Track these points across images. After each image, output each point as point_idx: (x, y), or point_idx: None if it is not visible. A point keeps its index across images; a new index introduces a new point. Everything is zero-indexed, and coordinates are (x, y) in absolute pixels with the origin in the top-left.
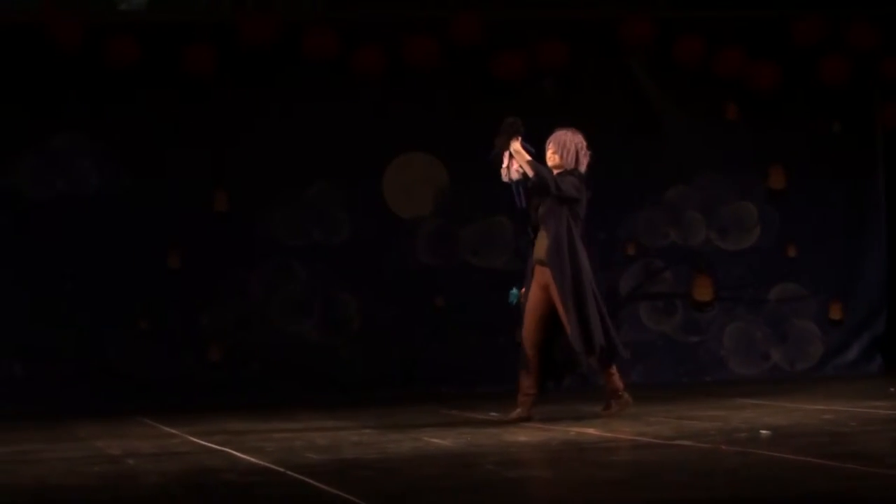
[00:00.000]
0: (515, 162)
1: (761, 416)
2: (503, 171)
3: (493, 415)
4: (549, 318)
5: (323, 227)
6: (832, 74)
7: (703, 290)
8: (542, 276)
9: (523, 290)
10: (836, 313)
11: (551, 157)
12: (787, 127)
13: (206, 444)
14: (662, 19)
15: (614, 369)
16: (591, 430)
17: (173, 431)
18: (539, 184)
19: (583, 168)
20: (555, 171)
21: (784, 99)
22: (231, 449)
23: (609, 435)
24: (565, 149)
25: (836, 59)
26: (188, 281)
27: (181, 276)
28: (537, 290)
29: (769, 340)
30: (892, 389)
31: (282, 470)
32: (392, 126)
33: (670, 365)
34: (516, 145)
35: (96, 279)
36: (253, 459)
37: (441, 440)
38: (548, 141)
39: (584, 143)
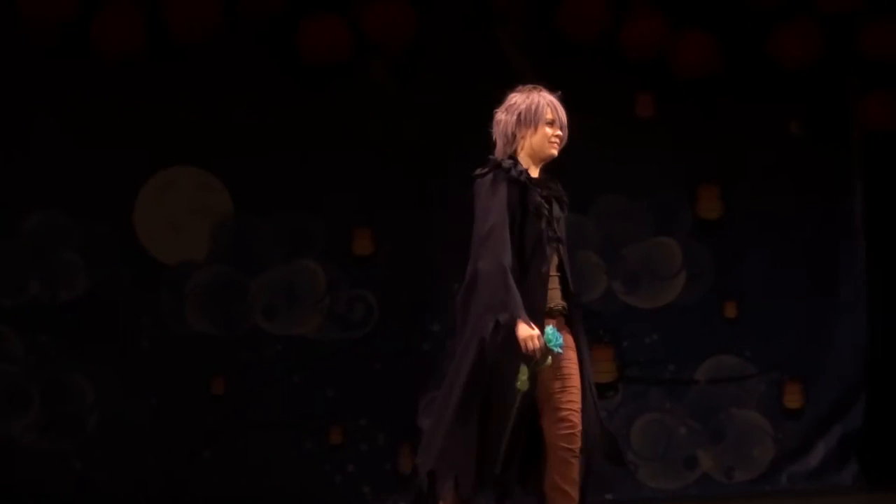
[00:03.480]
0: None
1: None
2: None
3: None
4: None
5: (46, 277)
6: (791, 49)
7: (602, 367)
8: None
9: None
10: (793, 399)
11: None
12: (725, 128)
13: None
14: None
15: None
16: None
17: None
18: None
19: (529, 145)
20: None
21: (721, 87)
22: None
23: None
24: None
25: (797, 26)
26: None
27: None
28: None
29: (697, 439)
30: None
31: None
32: (148, 127)
33: None
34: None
35: None
36: None
37: None
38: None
39: (538, 108)
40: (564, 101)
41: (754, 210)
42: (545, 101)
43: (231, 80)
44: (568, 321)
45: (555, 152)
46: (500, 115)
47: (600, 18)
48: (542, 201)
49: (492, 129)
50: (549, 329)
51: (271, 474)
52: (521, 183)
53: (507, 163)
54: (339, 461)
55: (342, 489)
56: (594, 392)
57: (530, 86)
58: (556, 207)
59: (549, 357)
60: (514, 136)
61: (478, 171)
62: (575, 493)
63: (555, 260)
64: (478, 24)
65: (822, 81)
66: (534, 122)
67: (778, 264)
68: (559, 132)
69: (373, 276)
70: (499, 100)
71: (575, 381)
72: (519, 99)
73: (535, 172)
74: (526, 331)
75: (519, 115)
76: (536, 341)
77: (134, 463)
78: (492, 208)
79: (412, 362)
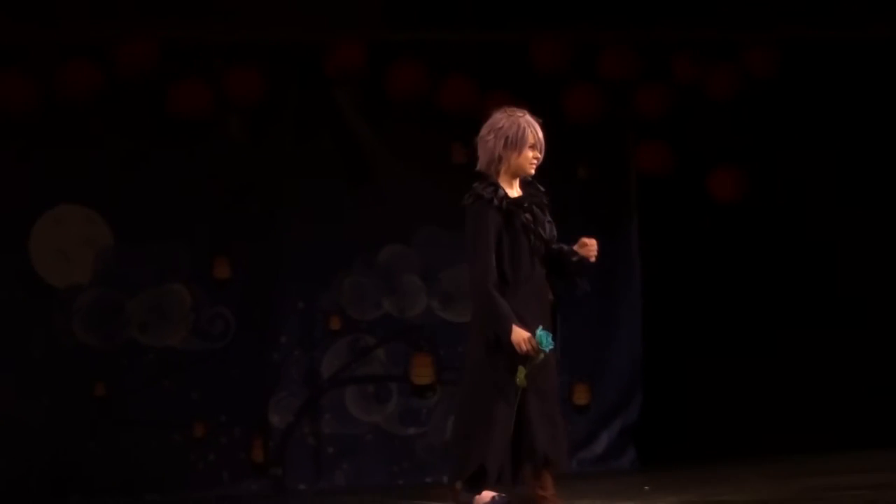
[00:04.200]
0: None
1: None
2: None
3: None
4: None
5: None
6: (578, 108)
7: (422, 372)
8: None
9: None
10: (581, 398)
11: None
12: None
13: None
14: (376, 42)
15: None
16: None
17: None
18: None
19: (510, 166)
20: None
21: None
22: None
23: None
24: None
25: (583, 89)
26: None
27: None
28: None
29: None
30: (646, 488)
31: None
32: (41, 173)
33: (383, 463)
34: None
35: None
36: None
37: None
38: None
39: (521, 132)
40: (396, 153)
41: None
42: (528, 127)
43: (111, 132)
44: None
45: (533, 171)
46: (487, 136)
47: (420, 82)
48: (526, 217)
49: (475, 143)
50: (540, 331)
51: (145, 463)
52: (502, 209)
53: (488, 192)
54: (202, 452)
55: (204, 475)
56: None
57: (515, 109)
58: (538, 213)
59: (542, 354)
60: (500, 157)
61: (464, 201)
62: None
63: (542, 265)
64: (319, 87)
65: (605, 133)
66: (518, 146)
67: (567, 287)
68: (539, 154)
69: (230, 296)
70: (337, 151)
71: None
72: (505, 123)
73: (514, 185)
74: (519, 335)
75: (506, 139)
76: (530, 343)
77: (28, 454)
78: (476, 237)
79: (263, 369)
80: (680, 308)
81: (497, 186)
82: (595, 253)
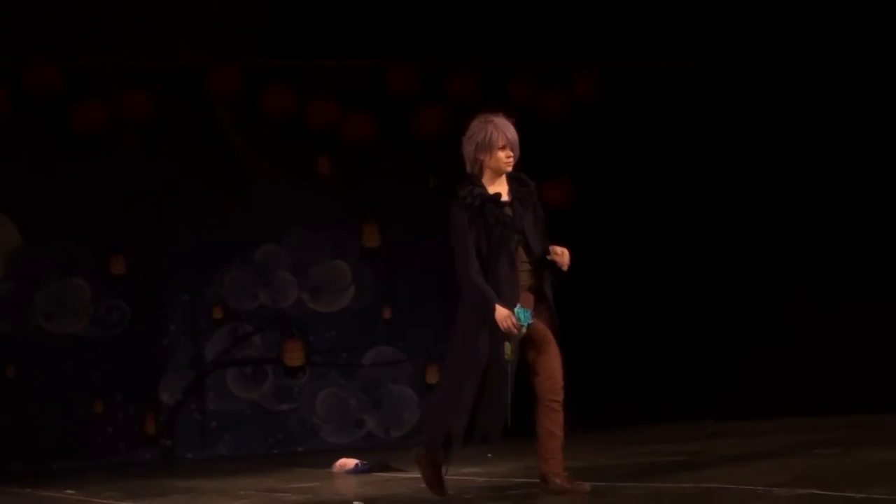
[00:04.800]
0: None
1: (354, 487)
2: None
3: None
4: None
5: None
6: (429, 126)
7: (293, 355)
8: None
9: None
10: (432, 377)
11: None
12: (382, 181)
13: None
14: (250, 68)
15: None
16: None
17: None
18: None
19: (488, 167)
20: None
21: (379, 151)
22: None
23: None
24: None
25: (432, 110)
26: None
27: None
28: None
29: (363, 407)
30: (488, 455)
31: None
32: None
33: (260, 435)
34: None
35: None
36: None
37: None
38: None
39: (490, 136)
40: (269, 165)
41: (404, 241)
42: (497, 130)
43: (19, 146)
44: (540, 295)
45: (509, 169)
46: (465, 143)
47: (288, 102)
48: (499, 211)
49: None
50: (518, 309)
51: (51, 435)
52: (474, 207)
53: (465, 191)
54: (101, 425)
55: (103, 446)
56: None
57: (485, 116)
58: (518, 207)
59: (523, 329)
60: (475, 159)
61: (450, 200)
62: (561, 433)
63: (520, 252)
64: (201, 106)
65: (452, 148)
66: (488, 148)
67: (421, 280)
68: (510, 153)
69: (125, 290)
70: (217, 162)
71: (550, 346)
72: (476, 129)
73: (500, 181)
74: (501, 313)
75: (477, 144)
76: (510, 320)
77: None
78: (452, 232)
79: (155, 353)
80: None
81: (474, 185)
82: (566, 264)
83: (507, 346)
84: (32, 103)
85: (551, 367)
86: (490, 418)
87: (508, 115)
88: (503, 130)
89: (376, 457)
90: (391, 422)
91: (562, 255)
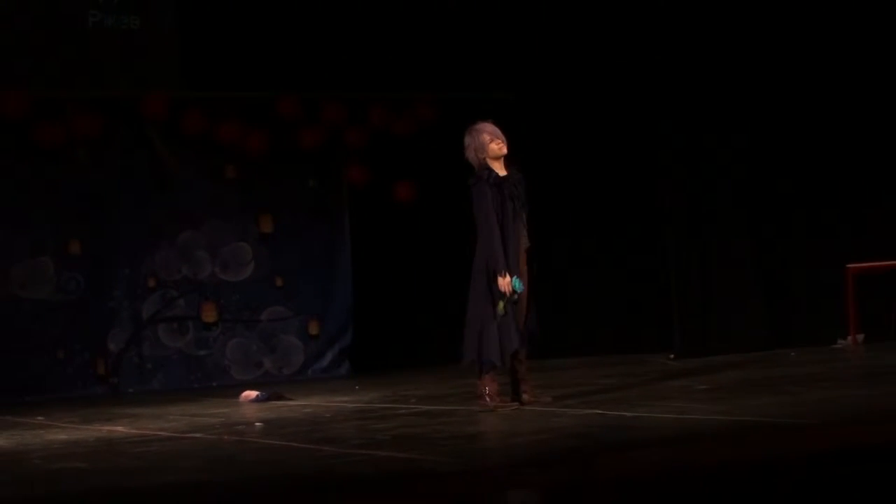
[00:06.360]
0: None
1: (257, 412)
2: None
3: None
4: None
5: None
6: (309, 142)
7: (209, 314)
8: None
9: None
10: (313, 329)
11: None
12: (274, 183)
13: None
14: (175, 97)
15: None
16: (120, 428)
17: None
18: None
19: (490, 160)
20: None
21: (272, 161)
22: None
23: (135, 432)
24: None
25: (312, 130)
26: None
27: None
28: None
29: (262, 352)
30: (356, 387)
31: None
32: None
33: (185, 374)
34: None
35: None
36: None
37: None
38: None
39: (480, 139)
40: (189, 171)
41: (290, 227)
42: (483, 131)
43: None
44: (528, 254)
45: (505, 151)
46: (467, 152)
47: (203, 123)
48: (511, 189)
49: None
50: (515, 279)
51: (24, 375)
52: (493, 184)
53: (484, 173)
54: (63, 368)
55: (65, 383)
56: (532, 300)
57: (470, 128)
58: (514, 188)
59: (515, 294)
60: (479, 159)
61: (470, 182)
62: (525, 361)
63: (522, 223)
64: (137, 125)
65: (327, 158)
66: (484, 147)
67: (304, 256)
68: (499, 140)
69: (81, 265)
70: (150, 168)
71: (522, 303)
72: (469, 140)
73: (499, 166)
74: (504, 279)
75: (475, 148)
76: (508, 285)
77: None
78: (482, 205)
79: (104, 313)
80: (378, 269)
81: (490, 170)
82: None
83: (500, 304)
84: (3, 124)
85: (519, 317)
86: (506, 342)
87: (493, 122)
88: (486, 129)
89: (272, 389)
90: (283, 363)
91: None
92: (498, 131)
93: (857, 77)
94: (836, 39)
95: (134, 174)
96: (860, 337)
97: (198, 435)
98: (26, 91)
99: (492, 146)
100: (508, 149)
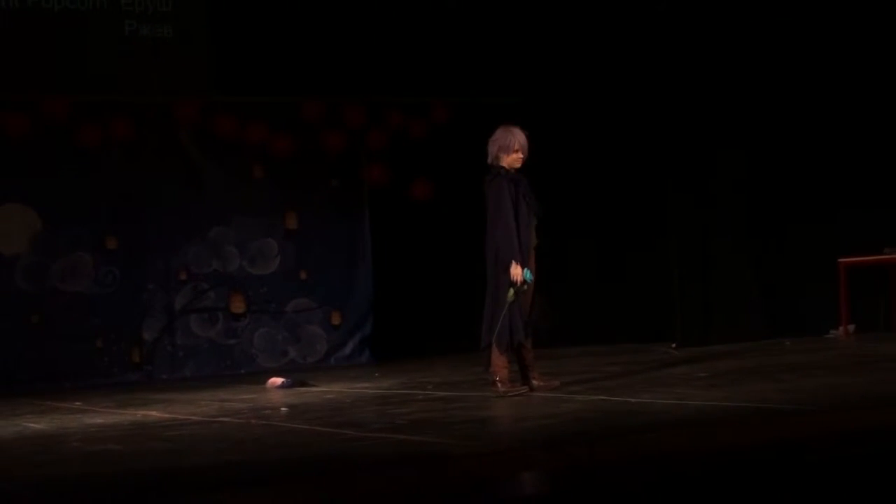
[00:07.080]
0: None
1: (282, 398)
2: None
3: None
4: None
5: None
6: (332, 143)
7: (237, 305)
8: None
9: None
10: (336, 320)
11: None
12: (299, 182)
13: None
14: (206, 102)
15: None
16: (153, 413)
17: None
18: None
19: (504, 163)
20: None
21: (297, 162)
22: None
23: (168, 416)
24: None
25: (334, 132)
26: None
27: None
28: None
29: (287, 341)
30: (376, 374)
31: None
32: None
33: (214, 362)
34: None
35: None
36: None
37: (36, 424)
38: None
39: (509, 142)
40: (220, 170)
41: (314, 224)
42: (514, 137)
43: (36, 159)
44: (536, 250)
45: (519, 165)
46: (490, 143)
47: (232, 126)
48: (525, 189)
49: (487, 146)
50: (526, 270)
51: (65, 364)
52: (511, 181)
53: (502, 170)
54: (101, 356)
55: (102, 370)
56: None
57: (507, 126)
58: (527, 189)
59: (525, 285)
60: (497, 156)
61: (487, 178)
62: (531, 347)
63: (534, 220)
64: (170, 129)
65: (348, 159)
66: (507, 150)
67: (327, 251)
68: (521, 155)
69: (117, 260)
70: (182, 168)
71: (529, 293)
72: (499, 135)
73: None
74: (517, 269)
75: (500, 146)
76: (520, 276)
77: None
78: (501, 199)
79: (139, 304)
80: (396, 263)
81: (507, 169)
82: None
83: (511, 292)
84: (46, 126)
85: (525, 305)
86: (515, 328)
87: (522, 130)
88: (518, 138)
89: (297, 376)
90: (307, 351)
91: None
92: (526, 146)
93: (856, 77)
94: (837, 41)
95: (167, 174)
96: (851, 328)
97: (227, 419)
98: (68, 96)
99: (513, 156)
100: (522, 164)
